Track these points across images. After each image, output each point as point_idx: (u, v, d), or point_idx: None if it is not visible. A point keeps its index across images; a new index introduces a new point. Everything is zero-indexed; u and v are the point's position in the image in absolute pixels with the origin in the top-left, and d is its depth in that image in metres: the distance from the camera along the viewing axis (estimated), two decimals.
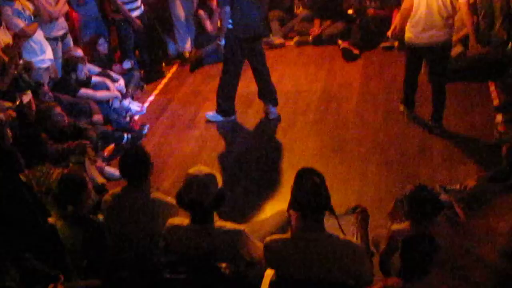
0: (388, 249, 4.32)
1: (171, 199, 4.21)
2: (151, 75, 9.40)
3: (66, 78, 7.40)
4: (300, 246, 3.53)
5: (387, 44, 9.30)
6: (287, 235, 3.62)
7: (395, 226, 4.48)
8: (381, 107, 7.59)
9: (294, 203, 3.58)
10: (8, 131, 5.52)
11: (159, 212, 4.17)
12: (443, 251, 3.69)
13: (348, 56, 9.20)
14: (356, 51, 9.22)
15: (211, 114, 7.84)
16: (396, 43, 9.12)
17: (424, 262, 3.50)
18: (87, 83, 7.65)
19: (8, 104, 5.77)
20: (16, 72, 5.97)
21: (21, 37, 6.85)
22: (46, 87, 6.79)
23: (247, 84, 8.10)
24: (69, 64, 7.44)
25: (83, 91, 7.41)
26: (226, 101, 7.67)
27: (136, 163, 4.25)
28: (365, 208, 5.20)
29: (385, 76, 8.46)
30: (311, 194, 3.49)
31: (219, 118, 7.78)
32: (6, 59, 5.90)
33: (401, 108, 7.34)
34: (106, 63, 8.83)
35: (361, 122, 7.31)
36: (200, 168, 3.84)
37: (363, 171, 6.31)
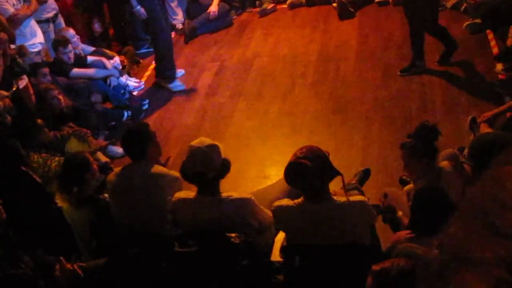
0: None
1: (174, 172, 4.20)
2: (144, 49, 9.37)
3: (58, 59, 7.30)
4: (307, 216, 3.52)
5: None
6: (294, 202, 3.60)
7: (406, 188, 4.50)
8: (380, 64, 7.51)
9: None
10: (8, 118, 5.50)
11: (163, 186, 4.15)
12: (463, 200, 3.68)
13: (344, 13, 9.04)
14: (351, 9, 9.09)
15: (173, 85, 7.97)
16: None
17: (436, 216, 3.49)
18: (83, 62, 7.59)
19: (5, 93, 5.71)
20: (7, 64, 5.88)
21: (11, 23, 6.74)
22: (46, 68, 6.72)
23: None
24: (53, 46, 7.36)
25: (75, 70, 7.31)
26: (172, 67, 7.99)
27: (137, 139, 4.24)
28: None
29: (381, 32, 8.36)
30: (303, 179, 3.47)
31: (180, 84, 8.04)
32: None
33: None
34: (101, 41, 8.77)
35: (361, 81, 7.25)
36: (202, 140, 3.81)
37: (366, 130, 6.27)
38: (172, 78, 7.98)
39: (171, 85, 7.96)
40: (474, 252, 0.98)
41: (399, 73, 7.12)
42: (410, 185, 4.56)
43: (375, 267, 2.59)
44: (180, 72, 8.14)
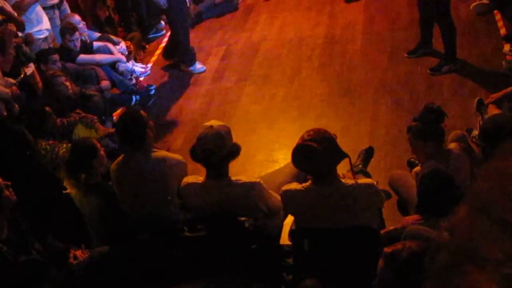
0: None
1: (177, 156, 4.20)
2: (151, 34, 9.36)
3: (64, 46, 7.29)
4: (316, 199, 3.52)
5: None
6: (302, 185, 3.60)
7: (414, 170, 4.49)
8: (387, 47, 7.48)
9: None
10: (16, 106, 5.51)
11: (166, 170, 4.11)
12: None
13: None
14: None
15: (193, 67, 8.01)
16: None
17: (442, 199, 3.49)
18: (89, 49, 7.58)
19: (12, 80, 5.71)
20: (15, 52, 5.88)
21: (17, 10, 6.71)
22: (56, 55, 6.70)
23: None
24: (61, 33, 7.35)
25: (82, 56, 7.31)
26: (190, 52, 7.99)
27: (133, 129, 4.12)
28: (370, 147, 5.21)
29: (388, 14, 8.30)
30: (311, 162, 3.46)
31: (201, 66, 8.06)
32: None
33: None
34: (106, 27, 8.75)
35: (368, 64, 7.22)
36: (215, 121, 3.83)
37: (373, 113, 6.26)
38: (192, 61, 8.00)
39: (192, 68, 8.00)
40: (481, 248, 0.95)
41: (406, 55, 7.09)
42: (418, 167, 4.54)
43: (387, 250, 2.58)
44: (201, 68, 8.08)
